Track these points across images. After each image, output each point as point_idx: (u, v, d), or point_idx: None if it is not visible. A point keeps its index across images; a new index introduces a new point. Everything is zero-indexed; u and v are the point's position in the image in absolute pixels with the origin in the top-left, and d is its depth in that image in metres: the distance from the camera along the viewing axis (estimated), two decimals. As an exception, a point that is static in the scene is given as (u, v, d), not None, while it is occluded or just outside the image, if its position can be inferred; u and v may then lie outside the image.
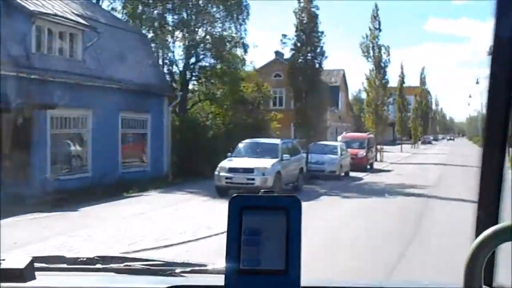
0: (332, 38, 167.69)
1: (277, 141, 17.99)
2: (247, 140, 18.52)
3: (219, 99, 28.57)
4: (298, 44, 20.80)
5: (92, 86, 18.13)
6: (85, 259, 2.04)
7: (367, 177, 24.24)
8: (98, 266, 1.99)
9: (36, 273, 1.77)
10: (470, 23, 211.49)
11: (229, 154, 17.56)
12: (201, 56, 28.30)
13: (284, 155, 16.96)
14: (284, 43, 21.22)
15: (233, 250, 1.37)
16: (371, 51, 37.02)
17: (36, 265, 1.81)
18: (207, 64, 28.44)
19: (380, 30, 36.63)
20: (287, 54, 21.46)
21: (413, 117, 70.04)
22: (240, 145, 18.09)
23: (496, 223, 1.45)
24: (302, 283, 1.36)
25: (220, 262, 1.70)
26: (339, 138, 30.83)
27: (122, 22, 24.63)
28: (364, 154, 28.20)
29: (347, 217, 13.20)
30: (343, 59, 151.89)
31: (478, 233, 1.29)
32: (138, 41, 22.74)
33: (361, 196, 17.02)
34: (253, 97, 29.10)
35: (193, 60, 28.08)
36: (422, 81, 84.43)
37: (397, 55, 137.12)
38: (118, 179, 18.63)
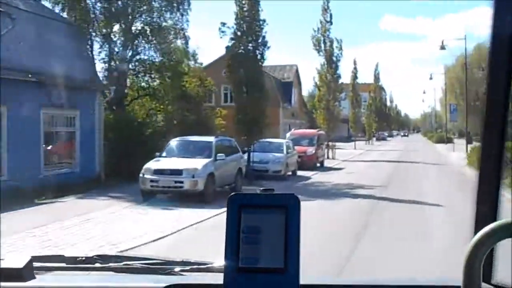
0: (286, 33, 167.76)
1: (210, 139, 16.20)
2: (178, 138, 16.74)
3: (160, 94, 26.79)
4: (238, 33, 19.14)
5: (6, 79, 16.10)
6: (84, 258, 2.03)
7: (315, 176, 22.85)
8: (97, 265, 1.99)
9: (35, 272, 1.79)
10: (425, 21, 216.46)
11: (157, 153, 15.79)
12: (140, 49, 26.45)
13: (219, 155, 15.28)
14: (223, 31, 19.57)
15: (232, 248, 1.37)
16: (322, 45, 35.73)
17: (35, 264, 1.82)
18: (146, 57, 26.62)
19: (331, 23, 35.38)
20: (227, 44, 19.62)
21: (367, 114, 69.55)
22: (170, 144, 16.32)
23: (495, 220, 1.42)
24: (301, 281, 1.36)
25: (219, 260, 1.66)
26: (288, 135, 29.38)
27: (48, 10, 22.55)
28: (314, 151, 26.82)
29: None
30: (298, 55, 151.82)
31: (477, 230, 1.24)
32: (65, 31, 20.74)
33: (306, 199, 15.47)
34: (196, 92, 27.46)
35: (131, 53, 26.18)
36: (376, 78, 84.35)
37: (352, 53, 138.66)
38: (40, 182, 16.67)
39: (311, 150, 26.59)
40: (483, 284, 1.25)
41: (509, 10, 1.48)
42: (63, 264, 2.00)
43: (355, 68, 54.37)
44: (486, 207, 1.60)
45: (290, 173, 22.44)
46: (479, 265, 1.19)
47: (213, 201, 14.07)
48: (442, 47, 47.61)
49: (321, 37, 35.52)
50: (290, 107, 53.84)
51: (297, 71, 58.11)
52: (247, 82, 18.78)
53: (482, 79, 70.82)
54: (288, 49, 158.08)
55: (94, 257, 2.02)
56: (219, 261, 1.66)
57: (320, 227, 10.13)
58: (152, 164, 14.75)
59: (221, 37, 19.62)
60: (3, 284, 1.69)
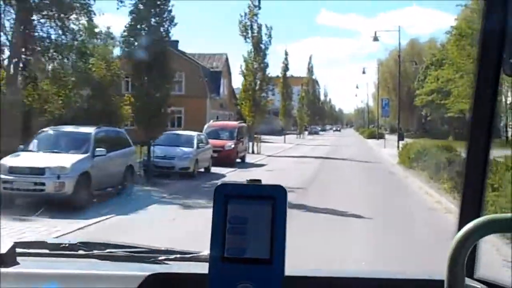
0: (218, 22, 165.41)
1: (90, 130, 12.99)
2: (49, 128, 13.55)
3: (60, 77, 23.41)
4: (140, 6, 16.14)
5: None
6: (67, 245, 2.02)
7: (231, 174, 20.16)
8: (81, 252, 1.99)
9: (18, 258, 1.80)
10: (359, 18, 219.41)
11: (21, 146, 12.60)
12: (37, 25, 23.01)
13: (98, 149, 12.28)
14: (121, 2, 16.56)
15: (217, 238, 1.37)
16: (249, 31, 33.07)
17: (18, 250, 1.83)
18: (44, 35, 23.18)
19: (259, 8, 32.73)
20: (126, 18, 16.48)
21: (299, 107, 67.68)
22: (39, 135, 13.13)
23: (479, 216, 1.37)
24: (286, 273, 1.37)
25: (204, 250, 1.71)
26: (205, 127, 26.52)
27: None
28: (233, 146, 24.10)
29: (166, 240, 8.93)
30: (231, 44, 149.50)
31: (461, 226, 1.24)
32: None
33: (210, 204, 12.85)
34: (103, 76, 24.23)
35: (27, 29, 22.70)
36: (309, 70, 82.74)
37: (289, 47, 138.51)
38: None
39: (230, 144, 23.86)
40: (467, 279, 1.27)
41: (499, 7, 1.47)
42: (46, 251, 1.99)
43: (286, 59, 52.11)
44: (471, 203, 1.63)
45: (202, 170, 19.69)
46: (463, 260, 1.19)
47: (88, 207, 11.20)
48: (375, 38, 46.62)
49: (249, 23, 32.88)
50: (218, 97, 51.16)
51: (227, 60, 55.38)
52: (148, 64, 15.79)
53: (414, 73, 70.54)
54: (220, 38, 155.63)
55: (78, 243, 2.02)
56: (204, 251, 1.74)
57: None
58: (8, 160, 11.48)
59: (117, 8, 16.56)
60: None
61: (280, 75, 48.37)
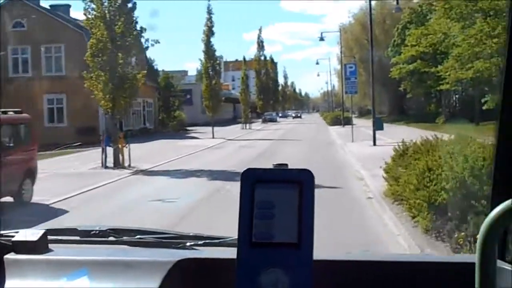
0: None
1: None
2: None
3: None
4: None
5: None
6: (98, 231, 2.04)
7: None
8: (111, 238, 2.02)
9: (50, 245, 1.86)
10: (323, 2, 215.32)
11: None
12: None
13: None
14: None
15: (245, 223, 1.37)
16: None
17: (50, 237, 1.88)
18: None
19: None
20: None
21: (241, 89, 53.50)
22: None
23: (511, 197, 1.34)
24: (315, 257, 1.36)
25: (233, 235, 1.69)
26: None
27: None
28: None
29: None
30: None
31: (492, 207, 1.20)
32: None
33: None
34: None
35: None
36: (260, 46, 68.31)
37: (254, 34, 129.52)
38: None
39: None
40: (498, 261, 1.26)
41: None
42: (77, 238, 2.03)
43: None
44: (503, 183, 1.59)
45: None
46: (494, 243, 1.17)
47: None
48: (321, 39, 43.86)
49: None
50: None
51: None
52: None
53: (386, 40, 56.65)
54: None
55: (108, 230, 2.04)
56: (232, 236, 1.73)
57: None
58: None
59: None
60: (18, 256, 1.77)
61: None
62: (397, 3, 23.42)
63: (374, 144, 22.38)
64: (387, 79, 48.87)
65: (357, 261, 1.75)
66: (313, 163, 16.08)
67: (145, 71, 19.67)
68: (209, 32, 35.15)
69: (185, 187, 13.56)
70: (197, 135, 39.71)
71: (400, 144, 10.01)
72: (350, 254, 1.82)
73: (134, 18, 18.41)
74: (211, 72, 35.50)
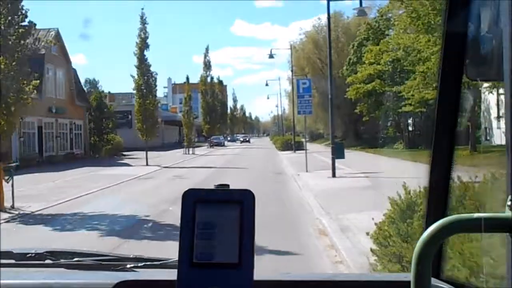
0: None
1: None
2: None
3: None
4: None
5: None
6: (34, 254, 2.01)
7: None
8: (48, 261, 1.99)
9: None
10: (273, 27, 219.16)
11: None
12: None
13: None
14: None
15: (186, 243, 1.35)
16: None
17: None
18: None
19: None
20: None
21: (184, 111, 49.25)
22: None
23: (444, 215, 1.44)
24: (256, 277, 1.36)
25: (173, 257, 1.67)
26: None
27: None
28: None
29: None
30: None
31: (427, 226, 1.24)
32: None
33: None
34: None
35: None
36: (207, 66, 64.58)
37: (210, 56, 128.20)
38: None
39: None
40: (433, 279, 1.28)
41: (460, 10, 1.47)
42: (12, 261, 1.98)
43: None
44: (436, 204, 1.65)
45: None
46: (429, 260, 1.19)
47: None
48: (271, 56, 40.85)
49: None
50: (40, 98, 31.16)
51: (58, 35, 35.97)
52: None
53: (339, 59, 53.37)
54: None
55: (45, 253, 2.01)
56: (173, 257, 1.70)
57: None
58: None
59: None
60: None
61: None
62: (361, 4, 19.46)
63: (334, 175, 18.32)
64: (341, 100, 45.37)
65: (296, 281, 1.80)
66: (257, 203, 11.74)
67: (38, 81, 15.03)
68: (143, 44, 30.71)
69: (61, 246, 9.02)
70: (130, 162, 35.01)
71: (400, 193, 5.78)
72: (290, 275, 1.88)
73: (23, 10, 13.90)
74: (144, 90, 30.98)
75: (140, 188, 18.28)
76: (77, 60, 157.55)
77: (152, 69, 31.41)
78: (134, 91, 31.85)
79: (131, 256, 2.00)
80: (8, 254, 2.00)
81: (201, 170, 25.99)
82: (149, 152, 47.07)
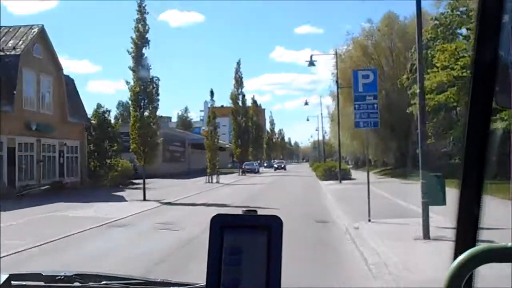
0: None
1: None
2: None
3: None
4: None
5: None
6: (63, 277, 2.00)
7: None
8: (76, 284, 1.97)
9: None
10: (313, 53, 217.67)
11: None
12: None
13: None
14: None
15: (213, 269, 1.34)
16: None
17: (14, 282, 1.78)
18: None
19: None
20: None
21: (208, 135, 41.50)
22: None
23: (475, 244, 1.39)
24: None
25: (201, 281, 1.65)
26: None
27: None
28: None
29: None
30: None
31: (456, 255, 1.22)
32: None
33: None
34: None
35: None
36: (238, 82, 57.35)
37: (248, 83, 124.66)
38: None
39: None
40: None
41: (491, 38, 1.39)
42: (42, 283, 1.97)
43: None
44: (465, 233, 1.52)
45: None
46: None
47: None
48: (311, 63, 33.98)
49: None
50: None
51: (43, 32, 28.48)
52: None
53: (395, 67, 44.88)
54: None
55: (74, 276, 2.01)
56: (201, 282, 1.67)
57: None
58: None
59: None
60: None
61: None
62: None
63: (427, 235, 9.97)
64: (397, 118, 36.91)
65: None
66: None
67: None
68: (141, 40, 23.10)
69: None
70: (132, 194, 27.12)
71: None
72: None
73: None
74: (143, 100, 23.28)
75: (88, 249, 10.38)
76: (85, 69, 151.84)
77: (155, 74, 23.89)
78: (130, 101, 24.16)
79: (159, 280, 2.01)
80: (37, 276, 2.00)
81: (209, 211, 17.94)
82: (164, 180, 38.99)
